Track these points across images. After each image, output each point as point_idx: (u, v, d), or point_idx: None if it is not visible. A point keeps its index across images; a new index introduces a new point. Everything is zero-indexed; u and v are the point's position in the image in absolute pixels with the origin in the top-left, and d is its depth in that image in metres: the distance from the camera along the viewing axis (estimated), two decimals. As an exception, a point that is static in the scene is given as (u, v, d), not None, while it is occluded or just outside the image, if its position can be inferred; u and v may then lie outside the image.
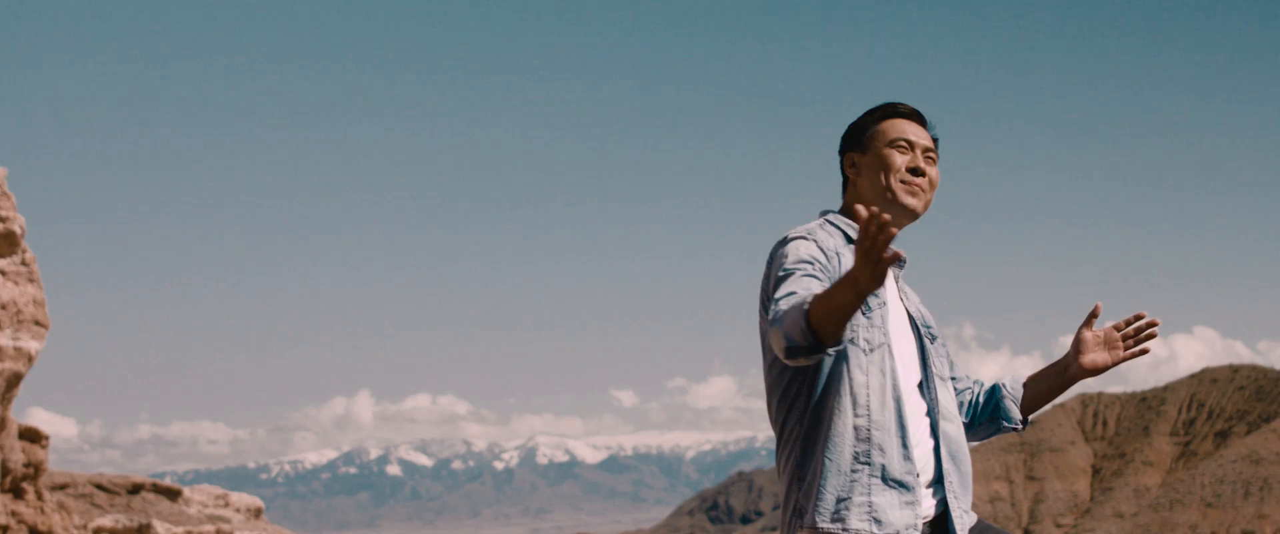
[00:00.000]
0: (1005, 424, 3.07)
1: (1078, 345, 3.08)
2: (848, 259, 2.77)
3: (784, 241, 2.77)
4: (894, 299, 2.88)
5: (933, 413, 2.81)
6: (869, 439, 2.66)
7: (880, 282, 2.27)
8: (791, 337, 2.45)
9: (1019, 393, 3.08)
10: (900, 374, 2.75)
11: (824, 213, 2.93)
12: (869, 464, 2.65)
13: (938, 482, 2.78)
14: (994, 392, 3.09)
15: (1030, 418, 3.10)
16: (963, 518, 2.78)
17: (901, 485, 2.66)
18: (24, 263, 11.76)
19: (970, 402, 3.10)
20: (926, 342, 2.86)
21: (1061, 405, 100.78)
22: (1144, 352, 3.04)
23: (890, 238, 2.23)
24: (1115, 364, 3.05)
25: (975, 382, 3.12)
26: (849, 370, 2.69)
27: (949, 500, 2.76)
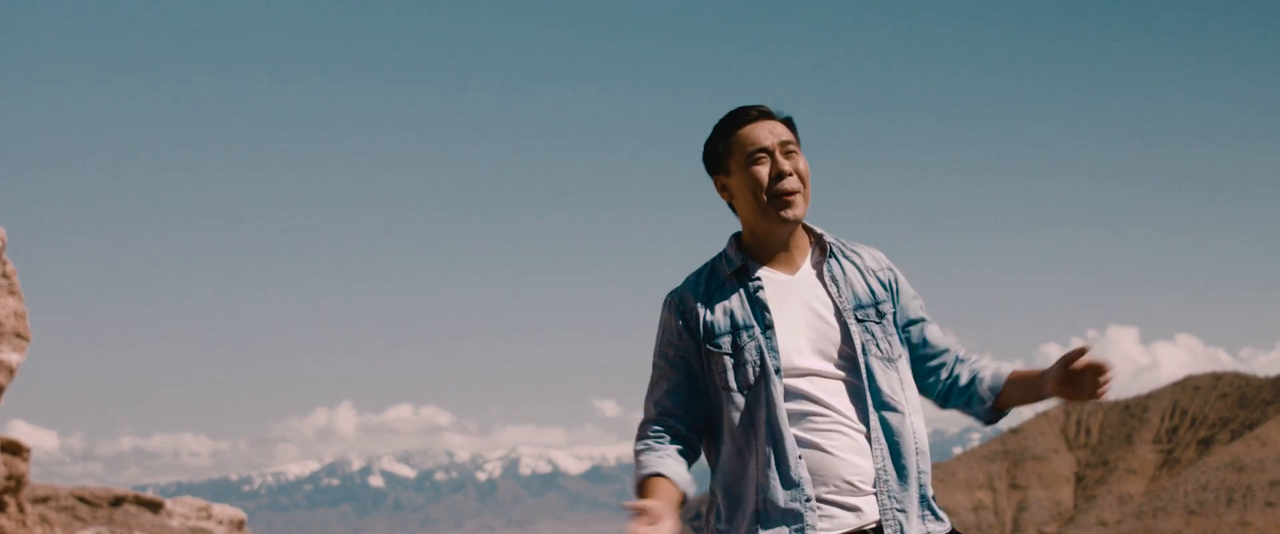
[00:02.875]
0: (974, 417, 2.90)
1: (1058, 372, 2.78)
2: (708, 304, 2.72)
3: (664, 304, 2.80)
4: (801, 299, 2.73)
5: (862, 402, 2.68)
6: (746, 475, 2.65)
7: None
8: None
9: (996, 392, 2.85)
10: (796, 391, 2.66)
11: (735, 235, 2.82)
12: (753, 499, 2.64)
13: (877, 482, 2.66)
14: (970, 386, 2.86)
15: (1003, 415, 2.92)
16: (896, 518, 2.64)
17: (788, 516, 2.61)
18: (4, 275, 11.71)
19: (944, 381, 2.89)
20: (855, 328, 2.70)
21: (1045, 414, 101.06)
22: (1099, 396, 2.83)
23: None
24: (1083, 400, 2.81)
25: (959, 360, 2.90)
26: (727, 411, 2.69)
27: (881, 501, 2.64)
